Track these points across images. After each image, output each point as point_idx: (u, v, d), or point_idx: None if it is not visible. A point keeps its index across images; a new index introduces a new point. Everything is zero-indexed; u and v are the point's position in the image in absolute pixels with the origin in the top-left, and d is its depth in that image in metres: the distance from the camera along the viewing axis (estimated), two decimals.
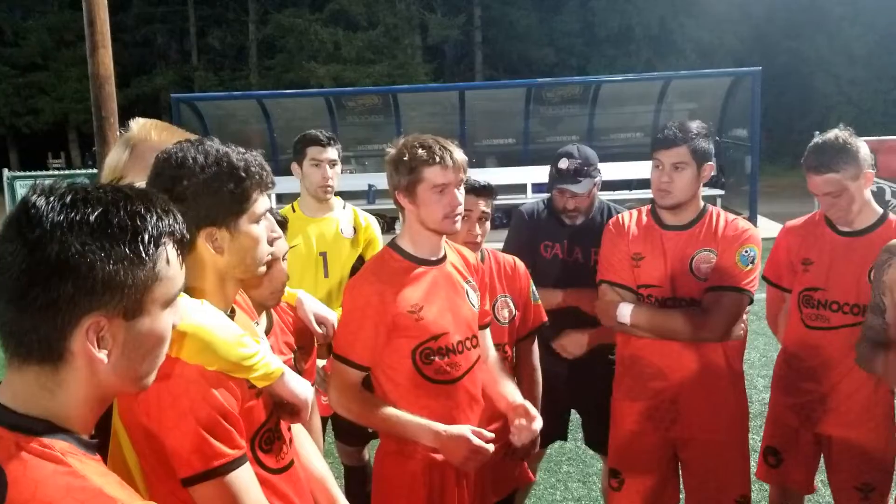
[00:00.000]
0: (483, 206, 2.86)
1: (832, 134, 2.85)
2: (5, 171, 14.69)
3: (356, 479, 3.69)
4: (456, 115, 14.54)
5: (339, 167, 3.53)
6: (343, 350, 2.37)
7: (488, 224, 2.90)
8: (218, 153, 1.61)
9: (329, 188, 3.48)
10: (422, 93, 17.56)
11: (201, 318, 1.54)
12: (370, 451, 3.73)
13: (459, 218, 2.38)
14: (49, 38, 25.83)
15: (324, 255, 3.45)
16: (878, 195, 11.78)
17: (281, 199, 12.36)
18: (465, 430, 2.27)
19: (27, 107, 25.75)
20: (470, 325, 2.49)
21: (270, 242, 1.74)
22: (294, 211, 3.56)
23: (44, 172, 16.29)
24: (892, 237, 2.84)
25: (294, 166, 3.55)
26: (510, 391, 2.56)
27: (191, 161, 1.58)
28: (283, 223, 2.36)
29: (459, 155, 2.35)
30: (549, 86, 15.65)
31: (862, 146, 2.83)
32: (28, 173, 15.60)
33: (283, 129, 14.38)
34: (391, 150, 2.39)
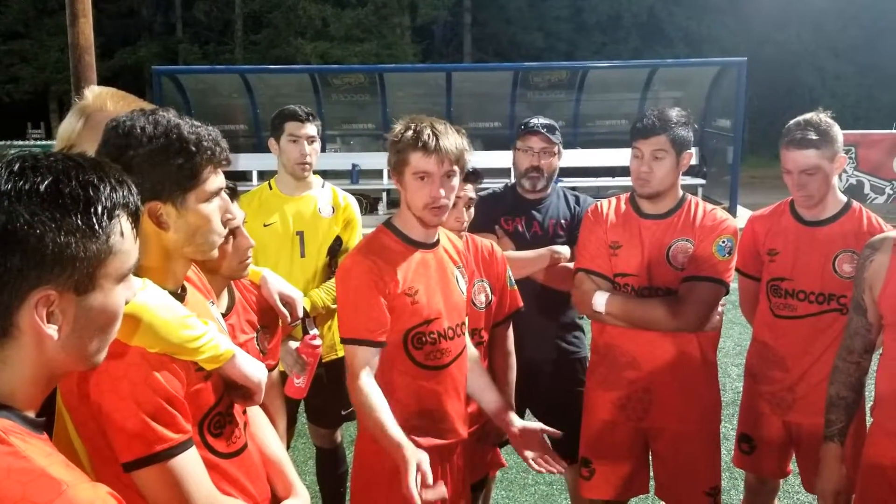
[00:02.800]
0: (470, 191, 2.83)
1: (811, 115, 2.90)
2: None
3: (328, 461, 3.67)
4: (443, 96, 14.46)
5: (317, 144, 3.45)
6: (356, 331, 2.26)
7: (473, 209, 2.88)
8: (168, 124, 1.52)
9: (307, 165, 3.40)
10: (408, 73, 17.43)
11: (143, 298, 1.46)
12: (343, 433, 3.72)
13: (440, 211, 2.29)
14: (31, 6, 25.36)
15: (301, 234, 3.38)
16: (857, 188, 11.88)
17: (262, 175, 12.28)
18: (422, 460, 2.03)
19: (7, 75, 25.25)
20: (460, 311, 2.47)
21: (225, 223, 1.65)
22: (271, 189, 3.49)
23: (22, 142, 16.02)
24: (855, 225, 2.88)
25: (271, 142, 3.47)
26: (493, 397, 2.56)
27: (138, 131, 1.50)
28: (234, 190, 2.25)
29: (450, 144, 2.23)
30: (536, 70, 15.62)
31: (839, 130, 2.88)
32: (5, 143, 15.33)
33: (267, 106, 14.22)
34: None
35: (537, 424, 2.47)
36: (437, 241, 2.44)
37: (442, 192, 2.25)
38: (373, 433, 2.21)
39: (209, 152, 1.55)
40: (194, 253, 1.62)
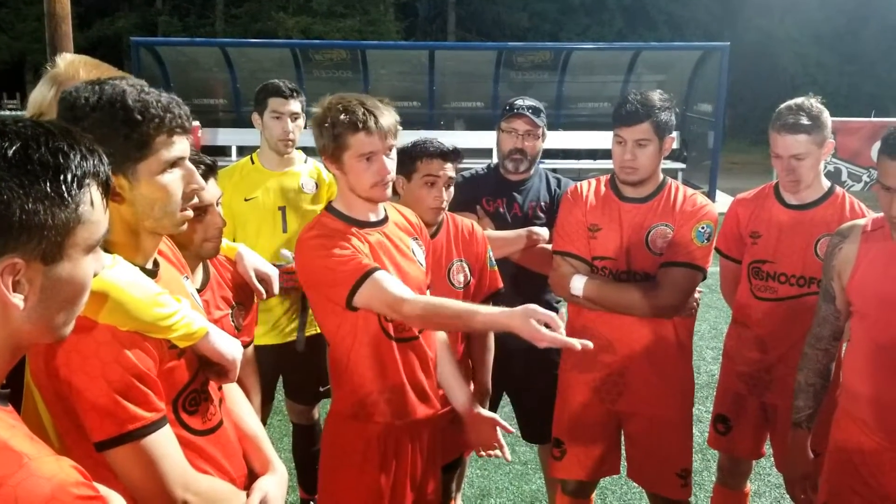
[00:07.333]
0: (450, 171, 2.82)
1: (801, 100, 2.91)
2: None
3: (304, 438, 3.68)
4: (425, 74, 14.36)
5: (301, 120, 3.43)
6: (358, 273, 2.17)
7: (452, 189, 2.87)
8: (114, 92, 1.44)
9: (290, 142, 3.39)
10: (391, 50, 17.30)
11: (113, 275, 1.42)
12: (320, 411, 3.72)
13: (389, 185, 2.29)
14: None
15: (283, 209, 3.37)
16: (835, 175, 11.98)
17: (242, 151, 12.17)
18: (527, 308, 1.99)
19: None
20: (420, 284, 2.43)
21: (189, 194, 1.57)
22: (253, 163, 3.47)
23: None
24: (837, 211, 2.91)
25: (255, 117, 3.45)
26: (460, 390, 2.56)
27: (82, 101, 1.44)
28: (211, 167, 2.20)
29: (387, 119, 2.22)
30: (519, 50, 15.58)
31: (828, 116, 2.91)
32: None
33: (247, 80, 14.07)
34: (317, 111, 2.27)
35: (492, 415, 2.53)
36: (385, 217, 2.42)
37: (390, 166, 2.26)
38: (466, 322, 2.14)
39: (157, 120, 1.46)
40: (155, 227, 1.55)
